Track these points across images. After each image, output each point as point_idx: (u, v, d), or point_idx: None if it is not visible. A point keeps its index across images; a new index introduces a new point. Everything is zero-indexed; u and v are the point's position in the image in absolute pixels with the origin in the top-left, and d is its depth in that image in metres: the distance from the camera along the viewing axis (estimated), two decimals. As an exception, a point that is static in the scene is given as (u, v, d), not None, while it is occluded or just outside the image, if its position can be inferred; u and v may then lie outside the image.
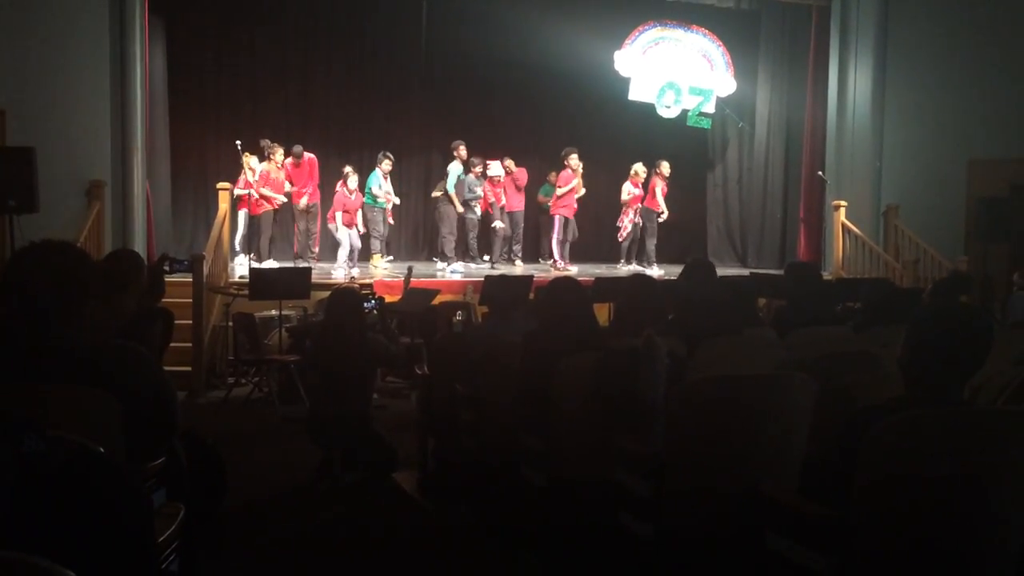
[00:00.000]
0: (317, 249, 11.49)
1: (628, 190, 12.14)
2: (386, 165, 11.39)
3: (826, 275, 10.64)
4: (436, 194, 11.91)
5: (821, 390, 3.09)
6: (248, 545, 4.30)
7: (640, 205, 12.09)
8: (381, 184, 11.39)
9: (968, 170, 10.97)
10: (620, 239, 12.37)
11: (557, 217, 11.77)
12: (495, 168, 11.80)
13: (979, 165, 10.85)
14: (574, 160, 11.61)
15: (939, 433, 2.27)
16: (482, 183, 11.62)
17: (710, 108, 13.41)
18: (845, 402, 3.01)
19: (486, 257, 12.13)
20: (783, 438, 3.03)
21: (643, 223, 12.12)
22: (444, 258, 11.46)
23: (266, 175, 10.87)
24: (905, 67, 11.63)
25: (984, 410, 2.69)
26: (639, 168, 12.04)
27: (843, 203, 11.45)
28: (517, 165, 12.20)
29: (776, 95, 13.82)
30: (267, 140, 11.04)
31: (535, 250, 13.13)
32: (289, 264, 10.64)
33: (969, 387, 2.57)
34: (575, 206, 11.85)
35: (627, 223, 12.25)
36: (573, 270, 11.44)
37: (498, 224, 11.93)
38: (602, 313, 7.49)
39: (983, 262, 9.63)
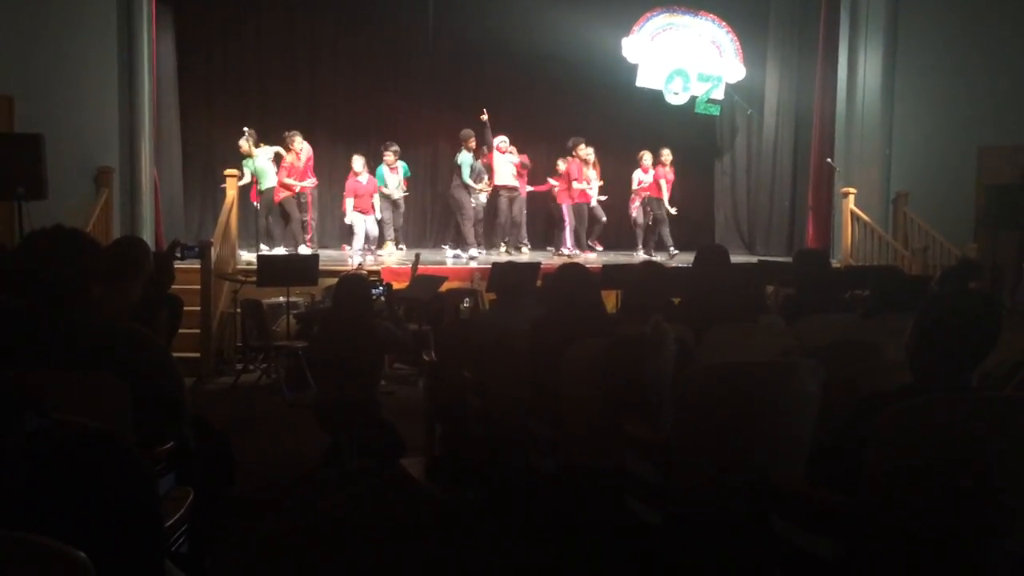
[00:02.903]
0: (309, 236, 11.50)
1: (638, 178, 12.18)
2: (388, 158, 11.49)
3: (835, 263, 10.61)
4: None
5: (828, 377, 3.08)
6: (256, 530, 4.32)
7: (647, 194, 12.13)
8: (386, 178, 11.50)
9: (978, 157, 10.91)
10: (635, 227, 12.42)
11: (565, 206, 11.77)
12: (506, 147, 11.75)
13: (989, 152, 10.79)
14: (583, 150, 11.62)
15: (947, 420, 2.27)
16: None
17: (719, 95, 13.35)
18: (853, 389, 3.01)
19: (503, 247, 12.15)
20: (790, 425, 3.03)
21: (652, 212, 12.18)
22: (463, 246, 11.42)
23: (290, 165, 10.92)
24: (915, 54, 11.55)
25: (993, 397, 2.67)
26: (646, 155, 12.07)
27: (852, 190, 11.40)
28: (521, 152, 12.16)
29: (785, 82, 13.75)
30: (293, 132, 11.06)
31: (544, 238, 13.10)
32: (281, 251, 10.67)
33: (978, 374, 2.56)
34: (590, 194, 11.84)
35: (632, 210, 12.29)
36: (583, 257, 11.42)
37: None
38: (610, 300, 7.49)
39: (992, 249, 9.58)
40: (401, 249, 11.89)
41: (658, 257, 11.64)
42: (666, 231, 12.17)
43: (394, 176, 11.60)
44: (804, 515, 2.49)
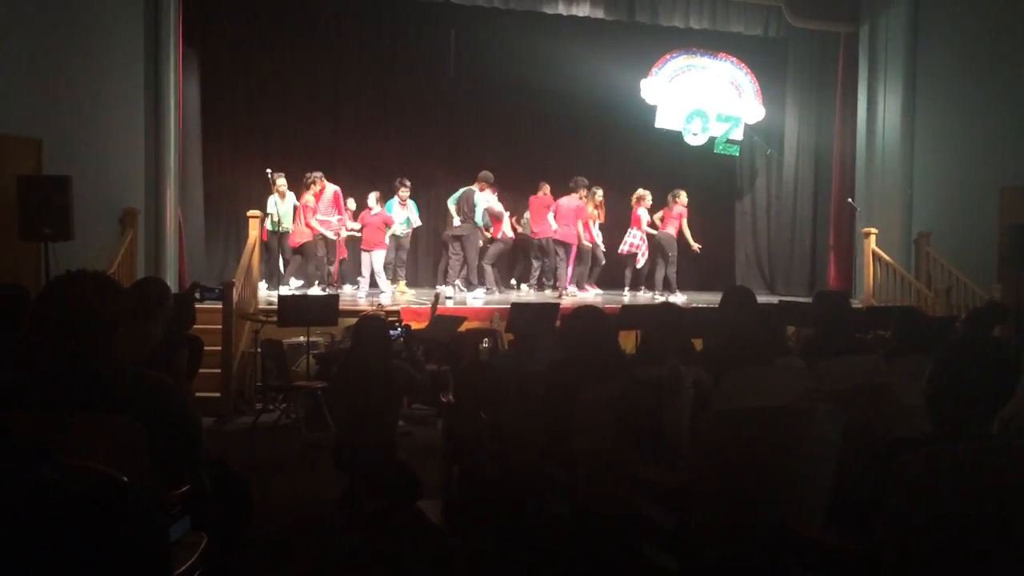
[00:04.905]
0: (336, 280, 11.68)
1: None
2: (403, 192, 11.71)
3: (856, 303, 10.53)
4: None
5: (848, 422, 3.05)
6: (271, 572, 4.30)
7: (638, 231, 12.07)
8: (395, 212, 11.72)
9: (1000, 197, 10.84)
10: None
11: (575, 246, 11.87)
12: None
13: (1011, 192, 10.72)
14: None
15: (967, 468, 2.23)
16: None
17: (738, 135, 13.39)
18: (873, 434, 2.97)
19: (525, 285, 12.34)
20: (809, 471, 2.99)
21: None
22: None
23: (307, 205, 11.09)
24: (935, 93, 11.55)
25: (1014, 445, 2.63)
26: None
27: (873, 230, 11.35)
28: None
29: (804, 122, 13.77)
30: (318, 173, 11.21)
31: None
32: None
33: (998, 420, 2.53)
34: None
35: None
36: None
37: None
38: (628, 341, 7.47)
39: (1016, 290, 9.48)
40: (408, 288, 11.95)
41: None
42: (661, 273, 12.07)
43: (403, 211, 11.76)
44: (822, 562, 2.45)
